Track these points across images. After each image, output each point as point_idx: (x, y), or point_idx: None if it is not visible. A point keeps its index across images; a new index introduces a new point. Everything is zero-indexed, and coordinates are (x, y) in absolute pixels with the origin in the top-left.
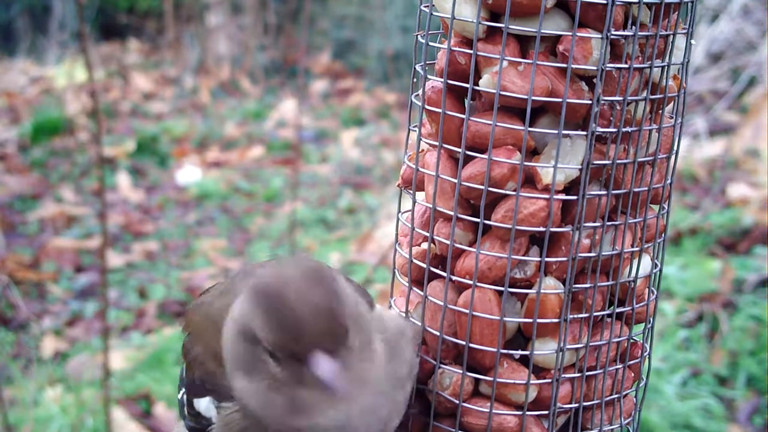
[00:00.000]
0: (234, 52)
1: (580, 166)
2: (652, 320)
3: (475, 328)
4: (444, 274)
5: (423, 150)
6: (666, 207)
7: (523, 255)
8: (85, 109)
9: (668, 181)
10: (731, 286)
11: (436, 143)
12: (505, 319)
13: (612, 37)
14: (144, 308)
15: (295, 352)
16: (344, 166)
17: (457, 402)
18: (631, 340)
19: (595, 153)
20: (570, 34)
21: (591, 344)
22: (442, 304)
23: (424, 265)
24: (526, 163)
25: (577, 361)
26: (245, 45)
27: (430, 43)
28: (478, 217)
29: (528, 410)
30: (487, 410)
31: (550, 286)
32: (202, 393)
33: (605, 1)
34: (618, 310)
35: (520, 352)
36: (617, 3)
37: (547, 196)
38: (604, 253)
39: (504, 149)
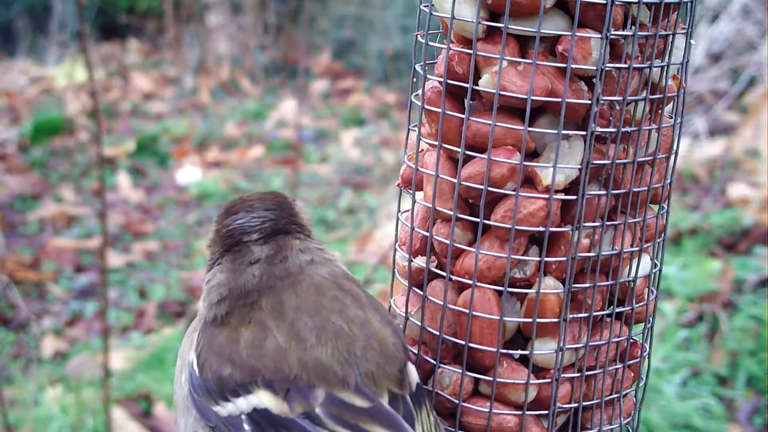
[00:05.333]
0: (234, 52)
1: (579, 166)
2: (651, 320)
3: (475, 327)
4: (443, 273)
5: (422, 150)
6: (665, 207)
7: (523, 255)
8: (85, 109)
9: (668, 181)
10: (731, 286)
11: (436, 143)
12: (505, 318)
13: (611, 37)
14: (144, 308)
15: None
16: (344, 166)
17: (456, 402)
18: (631, 340)
19: (595, 153)
20: (569, 34)
21: (590, 344)
22: (441, 303)
23: (424, 265)
24: (525, 164)
25: (576, 360)
26: (245, 45)
27: (430, 43)
28: (478, 217)
29: (528, 410)
30: (487, 410)
31: (550, 285)
32: None
33: (604, 1)
34: (617, 309)
35: (519, 351)
36: (616, 3)
37: (546, 195)
38: (603, 253)
39: (504, 149)
